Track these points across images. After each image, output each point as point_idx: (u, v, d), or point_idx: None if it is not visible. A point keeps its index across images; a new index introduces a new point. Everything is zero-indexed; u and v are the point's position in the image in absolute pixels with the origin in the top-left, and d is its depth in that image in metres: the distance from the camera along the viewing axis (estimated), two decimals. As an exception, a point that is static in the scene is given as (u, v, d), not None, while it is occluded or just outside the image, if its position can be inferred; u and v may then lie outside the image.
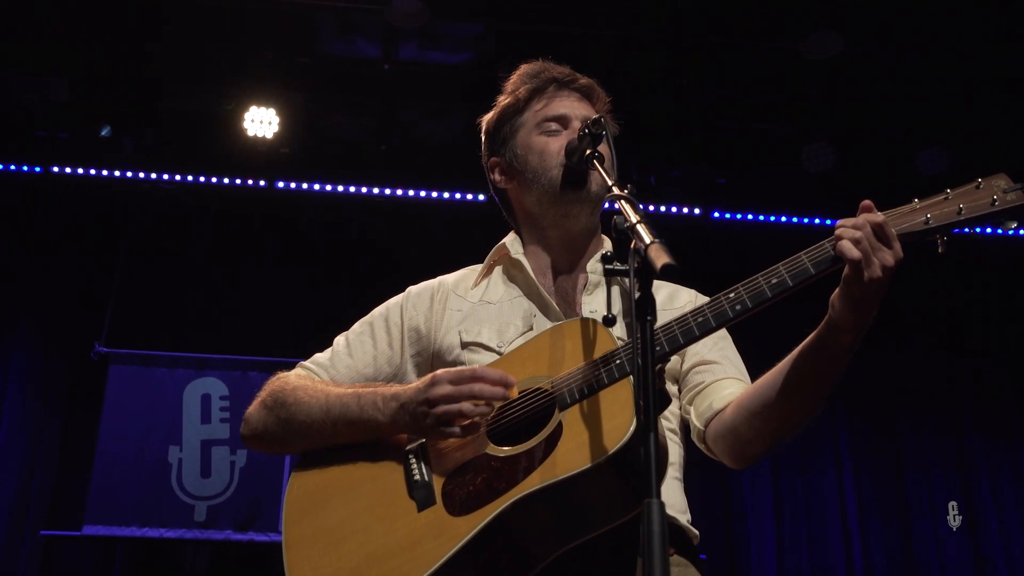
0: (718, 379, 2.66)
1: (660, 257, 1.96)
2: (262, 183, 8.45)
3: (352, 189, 8.59)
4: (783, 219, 8.95)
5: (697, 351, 2.71)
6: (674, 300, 2.81)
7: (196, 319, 8.56)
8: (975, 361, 9.40)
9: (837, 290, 2.32)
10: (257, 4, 7.28)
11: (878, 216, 2.27)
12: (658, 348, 2.33)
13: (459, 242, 8.04)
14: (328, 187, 8.56)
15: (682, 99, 7.87)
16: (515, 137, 2.89)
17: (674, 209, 8.65)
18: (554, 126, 2.84)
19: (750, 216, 8.90)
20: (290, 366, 9.08)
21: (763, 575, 8.54)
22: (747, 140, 8.47)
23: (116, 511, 7.90)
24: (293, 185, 8.51)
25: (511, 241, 2.91)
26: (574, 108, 2.86)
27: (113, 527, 7.86)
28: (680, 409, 2.72)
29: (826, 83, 7.89)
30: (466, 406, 2.34)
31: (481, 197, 8.60)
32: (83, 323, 8.42)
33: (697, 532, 2.62)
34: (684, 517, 2.57)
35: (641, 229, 2.06)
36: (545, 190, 2.79)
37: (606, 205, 2.31)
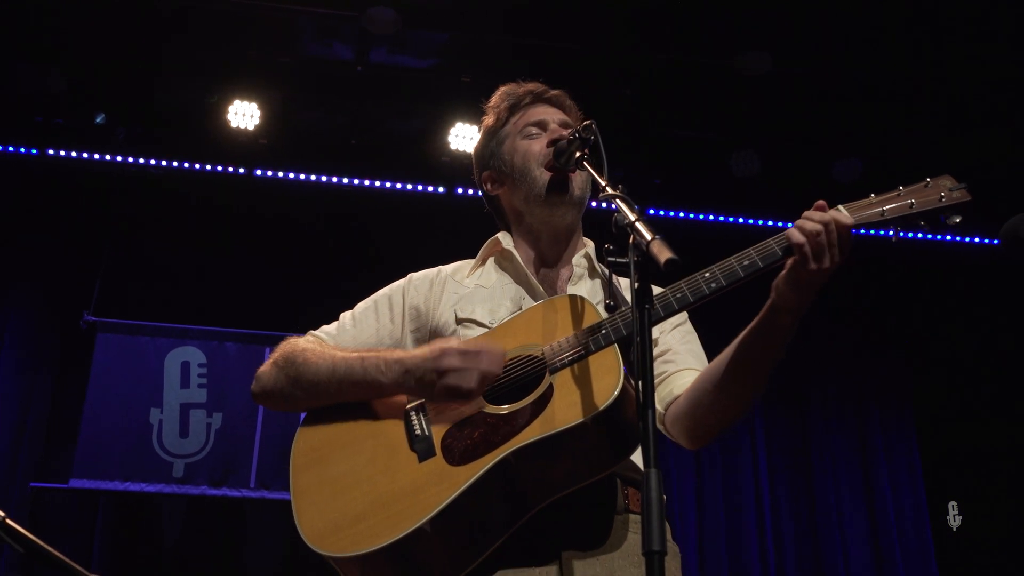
0: (680, 369, 2.72)
1: (663, 252, 1.99)
2: (242, 171, 8.41)
3: (324, 179, 8.56)
4: (711, 217, 9.02)
5: (666, 342, 2.77)
6: None
7: (178, 293, 8.52)
8: (878, 365, 9.57)
9: (782, 273, 2.38)
10: (243, 8, 7.26)
11: (835, 214, 2.34)
12: None
13: (418, 229, 8.15)
14: (302, 176, 8.53)
15: (625, 107, 7.90)
16: (501, 147, 2.95)
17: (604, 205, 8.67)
18: (534, 130, 2.90)
19: (682, 214, 8.95)
20: (261, 338, 9.03)
21: (685, 546, 8.61)
22: (682, 145, 8.54)
23: (101, 466, 7.84)
24: (270, 173, 8.47)
25: (503, 236, 2.96)
26: (550, 114, 2.93)
27: (98, 481, 7.81)
28: None
29: (755, 97, 7.98)
30: (473, 379, 2.38)
31: (441, 189, 8.61)
32: (74, 294, 8.34)
33: (664, 496, 2.68)
34: None
35: (640, 226, 2.09)
36: (531, 188, 2.84)
37: (603, 205, 2.33)
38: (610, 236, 2.22)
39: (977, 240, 9.17)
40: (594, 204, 2.66)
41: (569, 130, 2.78)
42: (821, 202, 2.37)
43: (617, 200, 2.25)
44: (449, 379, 2.40)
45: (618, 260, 2.20)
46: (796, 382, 9.16)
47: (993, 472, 8.85)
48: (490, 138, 3.00)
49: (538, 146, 2.85)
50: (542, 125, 2.90)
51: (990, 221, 8.70)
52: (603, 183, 2.44)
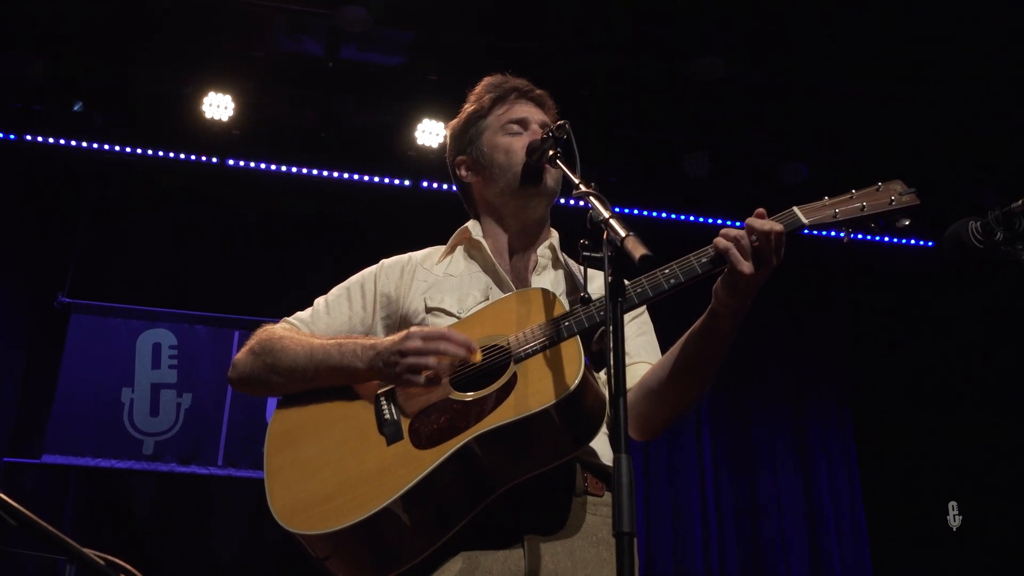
0: (634, 362, 2.71)
1: (637, 249, 2.02)
2: (215, 160, 8.34)
3: (294, 169, 8.52)
4: (663, 215, 9.05)
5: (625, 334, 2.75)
6: None
7: (150, 276, 8.46)
8: (818, 360, 9.65)
9: (720, 279, 2.40)
10: (219, 3, 7.20)
11: (775, 224, 2.35)
12: (601, 314, 2.40)
13: (383, 219, 8.13)
14: (273, 167, 8.48)
15: (584, 107, 7.90)
16: (481, 138, 2.91)
17: (572, 202, 8.70)
18: (516, 128, 2.87)
19: (636, 211, 8.96)
20: (231, 322, 8.97)
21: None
22: (637, 146, 8.55)
23: (73, 443, 7.79)
24: (242, 163, 8.42)
25: (472, 225, 2.93)
26: (532, 113, 2.91)
27: (70, 457, 7.75)
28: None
29: (707, 101, 8.01)
30: (431, 360, 2.38)
31: (407, 183, 8.59)
32: (49, 276, 8.26)
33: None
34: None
35: (615, 223, 2.11)
36: (509, 184, 2.82)
37: (574, 202, 2.34)
38: (583, 232, 2.21)
39: (913, 242, 9.27)
40: (568, 202, 2.66)
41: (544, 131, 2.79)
42: (760, 210, 2.39)
43: (591, 198, 2.26)
44: (409, 359, 2.40)
45: (593, 255, 2.19)
46: (740, 373, 9.21)
47: (923, 464, 8.97)
48: (470, 125, 2.96)
49: (519, 144, 2.83)
50: (524, 124, 2.88)
51: (925, 224, 8.84)
52: (577, 181, 2.45)
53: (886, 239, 9.21)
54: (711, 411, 9.19)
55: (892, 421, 9.16)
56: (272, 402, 8.58)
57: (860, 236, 8.97)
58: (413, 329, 2.46)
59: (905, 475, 9.01)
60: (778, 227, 2.34)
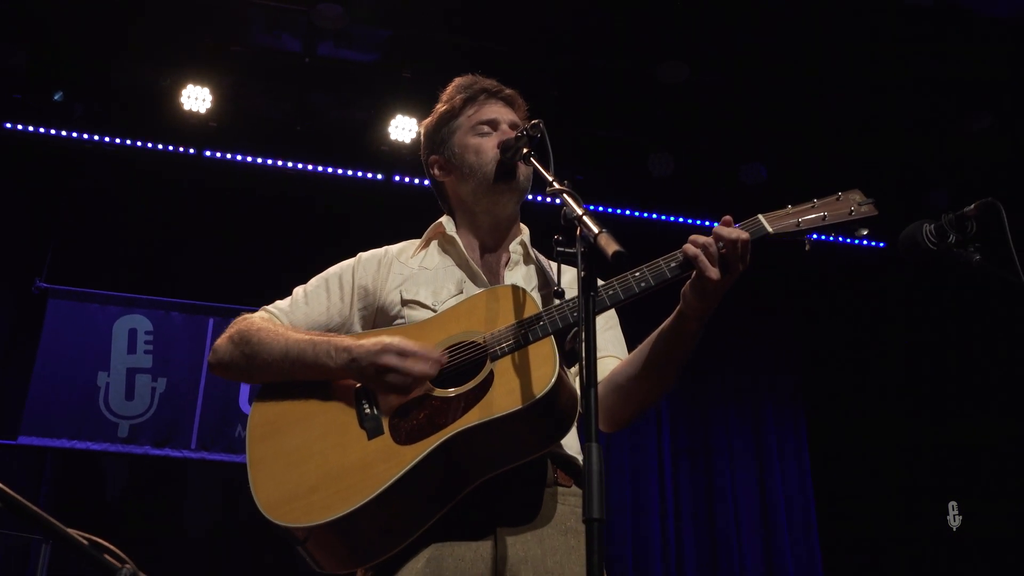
0: (603, 356, 2.73)
1: (610, 245, 2.01)
2: (192, 151, 8.28)
3: (269, 162, 8.46)
4: (628, 213, 9.06)
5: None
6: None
7: (127, 263, 8.39)
8: (771, 367, 9.70)
9: (688, 283, 2.42)
10: (199, -2, 7.16)
11: (741, 233, 2.38)
12: (574, 315, 2.41)
13: (356, 212, 8.10)
14: (248, 158, 8.42)
15: (552, 107, 7.90)
16: (452, 138, 2.89)
17: (539, 198, 8.71)
18: (486, 128, 2.86)
19: (602, 209, 8.96)
20: (206, 308, 8.88)
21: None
22: (604, 146, 8.56)
23: (49, 425, 7.70)
24: (219, 155, 8.35)
25: (446, 221, 2.92)
26: (502, 113, 2.89)
27: (45, 439, 7.67)
28: None
29: (672, 103, 8.04)
30: (406, 380, 2.39)
31: (380, 176, 8.57)
32: (27, 261, 8.16)
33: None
34: (581, 457, 2.63)
35: (588, 220, 2.10)
36: (480, 182, 2.81)
37: (541, 199, 2.34)
38: (558, 227, 2.20)
39: (865, 243, 9.33)
40: (539, 199, 2.66)
41: (517, 130, 2.78)
42: (727, 218, 2.41)
43: (564, 195, 2.25)
44: (387, 376, 2.41)
45: (566, 250, 2.18)
46: (699, 371, 9.22)
47: (874, 462, 9.02)
48: (442, 125, 2.94)
49: (489, 144, 2.82)
50: (493, 124, 2.86)
51: (878, 225, 8.88)
52: (550, 178, 2.44)
53: (839, 239, 9.26)
54: (671, 409, 9.21)
55: (843, 420, 9.20)
56: (245, 388, 8.49)
57: (816, 236, 9.02)
58: (386, 341, 2.44)
59: (856, 473, 9.05)
60: (744, 235, 2.37)
